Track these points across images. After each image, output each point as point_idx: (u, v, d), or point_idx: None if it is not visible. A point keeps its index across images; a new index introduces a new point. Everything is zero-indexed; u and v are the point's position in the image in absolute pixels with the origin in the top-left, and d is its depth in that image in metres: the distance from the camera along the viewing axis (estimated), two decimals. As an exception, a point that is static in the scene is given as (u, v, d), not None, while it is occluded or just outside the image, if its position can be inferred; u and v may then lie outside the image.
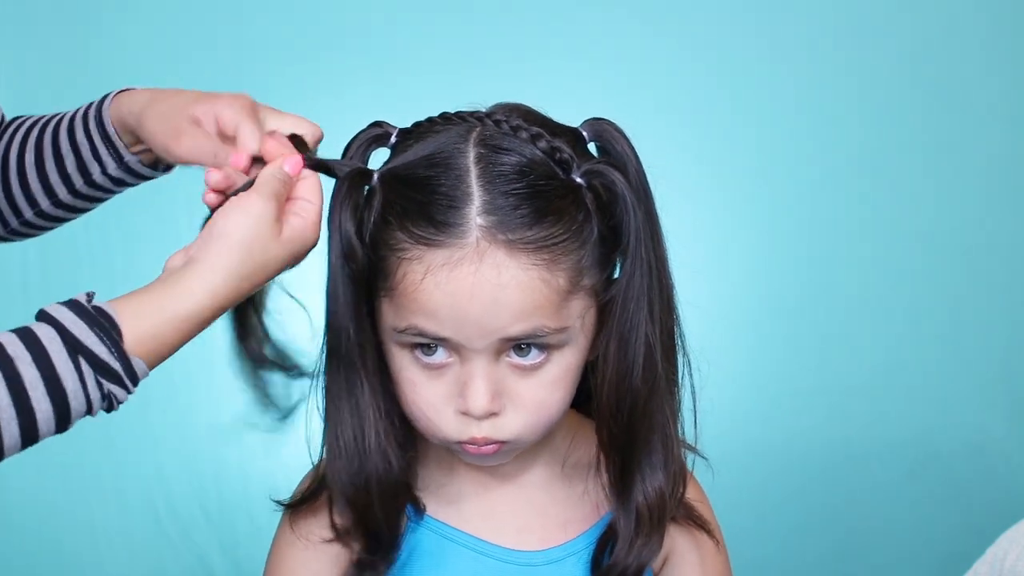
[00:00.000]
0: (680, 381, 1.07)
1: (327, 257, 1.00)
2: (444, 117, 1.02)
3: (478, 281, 0.95)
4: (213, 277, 0.93)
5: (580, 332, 1.00)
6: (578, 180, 0.99)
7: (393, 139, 1.02)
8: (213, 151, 1.02)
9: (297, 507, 1.08)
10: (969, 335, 2.23)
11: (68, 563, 2.18)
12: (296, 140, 1.03)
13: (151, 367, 0.92)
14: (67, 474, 2.19)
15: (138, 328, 0.91)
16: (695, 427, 1.07)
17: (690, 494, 1.11)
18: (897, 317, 2.24)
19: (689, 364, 1.07)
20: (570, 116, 1.06)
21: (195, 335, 0.94)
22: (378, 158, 1.04)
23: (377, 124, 1.04)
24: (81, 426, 2.38)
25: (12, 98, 1.30)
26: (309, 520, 1.08)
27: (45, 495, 2.19)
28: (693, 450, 1.09)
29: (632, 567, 1.04)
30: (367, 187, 1.00)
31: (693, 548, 1.12)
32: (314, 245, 0.99)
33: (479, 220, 0.95)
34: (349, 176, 0.99)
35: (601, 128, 1.03)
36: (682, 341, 1.06)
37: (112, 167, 1.14)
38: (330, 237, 0.99)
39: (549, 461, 1.09)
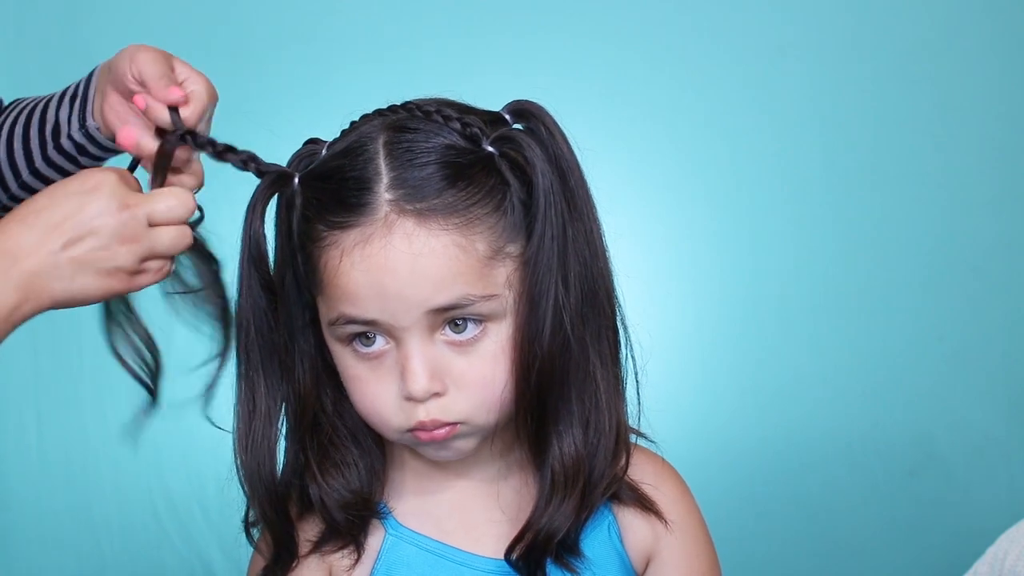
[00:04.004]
0: (623, 358, 1.06)
1: (239, 255, 1.01)
2: (364, 116, 1.04)
3: (391, 254, 0.96)
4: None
5: (512, 301, 0.99)
6: (489, 149, 0.99)
7: (324, 152, 1.03)
8: (162, 71, 1.06)
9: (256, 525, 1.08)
10: (969, 336, 2.23)
11: (68, 563, 2.18)
12: (173, 111, 1.05)
13: None
14: (68, 474, 2.19)
15: None
16: (638, 402, 1.07)
17: (650, 478, 1.10)
18: (897, 317, 2.24)
19: (629, 340, 1.06)
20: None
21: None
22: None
23: (312, 141, 1.05)
24: (82, 426, 2.37)
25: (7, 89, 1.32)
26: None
27: (45, 495, 2.19)
28: (638, 433, 1.09)
29: (544, 531, 1.02)
30: (290, 192, 1.01)
31: (650, 532, 1.11)
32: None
33: (387, 195, 0.96)
34: (268, 180, 1.01)
35: (522, 108, 1.04)
36: (621, 315, 1.05)
37: (76, 128, 1.16)
38: (242, 237, 1.01)
39: (523, 463, 1.08)
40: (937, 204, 2.24)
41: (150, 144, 1.05)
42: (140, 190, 1.02)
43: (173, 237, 1.00)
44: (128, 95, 1.08)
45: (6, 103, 1.26)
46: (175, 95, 1.04)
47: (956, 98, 2.25)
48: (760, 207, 2.24)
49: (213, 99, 1.09)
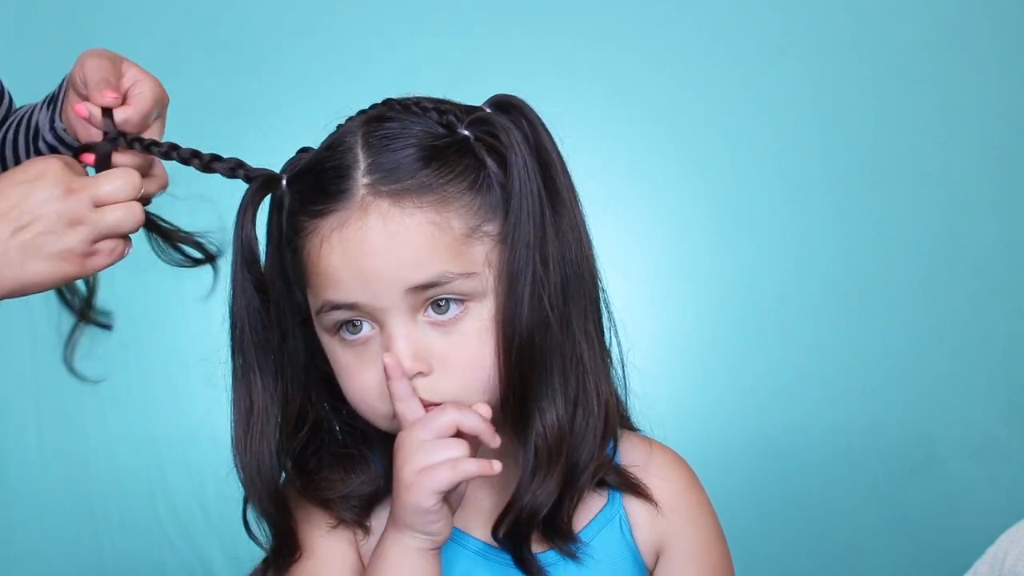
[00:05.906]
0: (608, 342, 1.07)
1: (231, 257, 1.02)
2: (348, 118, 1.05)
3: (366, 236, 0.97)
4: None
5: (492, 280, 1.00)
6: (464, 132, 1.01)
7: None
8: (103, 76, 1.07)
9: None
10: (969, 336, 2.24)
11: (68, 562, 2.19)
12: (107, 113, 1.06)
13: None
14: (68, 473, 2.20)
15: None
16: (624, 385, 1.08)
17: (658, 469, 1.10)
18: (897, 317, 2.24)
19: (614, 325, 1.07)
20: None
21: None
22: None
23: (303, 150, 1.06)
24: (82, 425, 2.37)
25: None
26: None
27: (46, 494, 2.19)
28: (626, 421, 1.10)
29: (527, 507, 1.03)
30: (280, 193, 1.03)
31: (661, 525, 1.11)
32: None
33: (364, 180, 0.98)
34: (257, 183, 1.02)
35: (503, 100, 1.05)
36: (605, 299, 1.06)
37: (47, 131, 1.18)
38: (234, 241, 1.02)
39: (514, 446, 1.06)
40: (937, 204, 2.24)
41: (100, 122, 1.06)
42: (85, 174, 1.03)
43: (121, 216, 1.01)
44: (83, 99, 1.09)
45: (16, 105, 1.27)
46: (107, 98, 1.05)
47: (956, 98, 2.25)
48: (760, 207, 2.24)
49: (160, 100, 1.09)
